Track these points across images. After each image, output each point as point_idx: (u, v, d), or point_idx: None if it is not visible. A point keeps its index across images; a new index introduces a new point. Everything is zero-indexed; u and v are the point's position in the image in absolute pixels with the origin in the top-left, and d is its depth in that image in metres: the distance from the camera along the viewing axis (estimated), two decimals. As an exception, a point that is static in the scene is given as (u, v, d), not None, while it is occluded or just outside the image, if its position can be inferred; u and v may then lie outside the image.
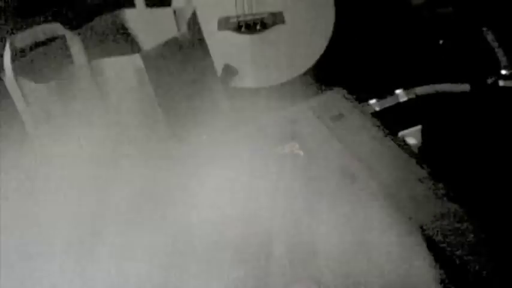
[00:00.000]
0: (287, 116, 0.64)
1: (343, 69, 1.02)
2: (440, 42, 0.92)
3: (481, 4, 0.80)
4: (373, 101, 0.63)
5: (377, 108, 0.63)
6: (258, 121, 0.65)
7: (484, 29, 0.73)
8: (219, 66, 1.09)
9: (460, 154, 0.56)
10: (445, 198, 0.47)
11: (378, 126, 0.57)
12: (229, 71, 1.12)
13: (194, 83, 0.92)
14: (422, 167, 0.51)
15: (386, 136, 0.55)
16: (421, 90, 0.61)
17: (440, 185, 0.48)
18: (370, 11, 1.08)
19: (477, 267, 0.40)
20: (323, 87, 0.68)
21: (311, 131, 0.60)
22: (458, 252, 0.42)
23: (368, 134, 0.57)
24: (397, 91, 0.63)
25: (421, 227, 0.45)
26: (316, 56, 1.09)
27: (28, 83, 0.85)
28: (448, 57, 0.80)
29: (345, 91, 0.63)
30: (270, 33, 1.13)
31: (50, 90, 0.84)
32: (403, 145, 0.54)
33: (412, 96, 0.61)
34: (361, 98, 0.64)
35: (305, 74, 1.10)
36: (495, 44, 0.71)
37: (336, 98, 0.64)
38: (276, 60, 1.14)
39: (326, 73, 1.05)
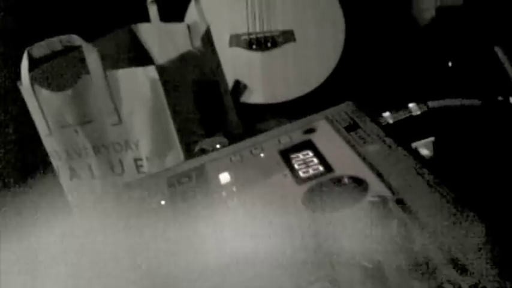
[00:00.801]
0: (302, 126, 0.65)
1: (353, 84, 1.04)
2: (450, 64, 0.94)
3: (492, 22, 0.82)
4: (386, 114, 0.64)
5: (390, 121, 0.64)
6: (273, 130, 0.66)
7: (495, 46, 0.75)
8: (229, 82, 1.11)
9: (471, 166, 0.57)
10: (456, 205, 0.48)
11: (391, 137, 0.58)
12: (239, 86, 1.13)
13: (206, 95, 0.93)
14: (434, 176, 0.52)
15: (399, 146, 0.57)
16: (433, 104, 0.62)
17: (451, 193, 0.49)
18: (380, 27, 1.10)
19: (484, 272, 0.41)
20: (334, 103, 0.69)
21: (325, 141, 0.61)
22: (468, 256, 0.42)
23: (381, 144, 0.58)
24: (410, 105, 0.64)
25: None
26: (327, 73, 1.11)
27: (44, 91, 0.87)
28: (458, 74, 0.82)
29: (354, 105, 0.64)
30: (281, 51, 1.14)
31: (66, 99, 0.86)
32: (416, 154, 0.55)
33: (425, 109, 0.63)
34: (374, 112, 0.66)
35: (316, 90, 1.11)
36: (506, 62, 0.73)
37: (349, 110, 0.65)
38: (286, 77, 1.15)
39: (337, 89, 1.06)
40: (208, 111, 0.94)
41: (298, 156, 0.60)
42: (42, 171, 0.95)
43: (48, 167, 0.93)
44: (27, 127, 0.91)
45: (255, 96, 1.15)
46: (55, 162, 0.92)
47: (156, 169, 0.86)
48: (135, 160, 0.90)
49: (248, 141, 0.67)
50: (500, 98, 0.63)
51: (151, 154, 0.88)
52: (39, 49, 0.87)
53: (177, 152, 0.88)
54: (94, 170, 0.91)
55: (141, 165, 0.90)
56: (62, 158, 0.90)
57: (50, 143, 0.90)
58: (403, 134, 0.61)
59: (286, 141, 0.64)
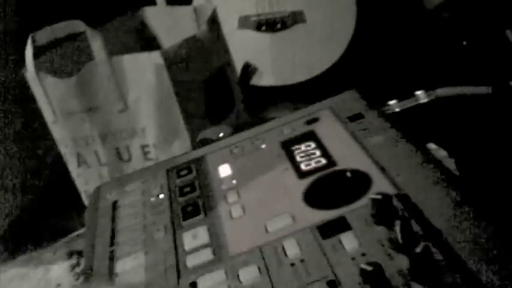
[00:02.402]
0: (304, 115, 0.63)
1: (363, 69, 1.01)
2: (464, 43, 0.91)
3: (503, 4, 0.79)
4: (392, 102, 0.62)
5: (397, 109, 0.62)
6: (275, 120, 0.64)
7: (507, 30, 0.72)
8: (238, 64, 1.09)
9: (483, 156, 0.55)
10: (461, 203, 0.46)
11: (396, 128, 0.56)
12: (249, 68, 1.11)
13: (213, 80, 0.92)
14: (440, 170, 0.50)
15: (403, 138, 0.55)
16: (441, 91, 0.60)
17: (456, 190, 0.47)
18: (392, 11, 1.07)
19: (490, 272, 0.40)
20: (343, 87, 0.67)
21: (328, 131, 0.59)
22: (473, 258, 0.41)
23: (385, 135, 0.56)
24: (417, 92, 0.62)
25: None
26: (337, 55, 1.08)
27: (50, 78, 0.86)
28: (469, 59, 0.79)
29: (358, 93, 0.62)
30: (291, 32, 1.12)
31: (71, 86, 0.85)
32: (421, 147, 0.53)
33: (433, 97, 0.61)
34: (381, 99, 0.63)
35: (325, 73, 1.09)
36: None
37: (354, 99, 0.63)
38: (296, 59, 1.13)
39: (346, 73, 1.04)
40: (215, 97, 0.92)
41: (300, 148, 0.59)
42: (51, 159, 0.95)
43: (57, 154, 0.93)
44: (35, 115, 0.90)
45: (264, 78, 1.13)
46: (62, 149, 0.91)
47: (163, 156, 0.85)
48: (142, 147, 0.89)
49: (250, 132, 0.65)
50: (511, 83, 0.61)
51: (158, 141, 0.88)
52: (43, 35, 0.86)
53: (184, 139, 0.87)
54: (101, 157, 0.90)
55: (148, 152, 0.89)
56: (69, 145, 0.90)
57: (57, 130, 0.90)
58: (410, 124, 0.59)
59: (288, 132, 0.62)
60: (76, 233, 0.92)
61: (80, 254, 0.88)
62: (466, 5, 0.86)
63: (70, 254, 0.91)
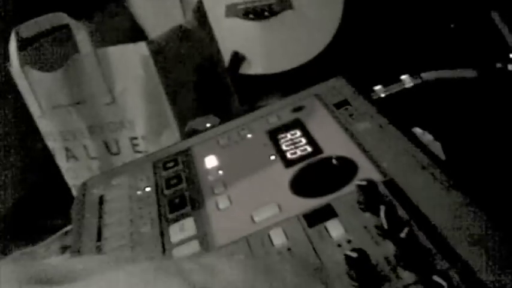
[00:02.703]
0: (290, 103, 0.63)
1: (351, 55, 1.01)
2: (452, 26, 0.90)
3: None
4: (378, 87, 0.61)
5: (382, 95, 0.61)
6: (262, 109, 0.64)
7: (492, 11, 0.71)
8: (226, 53, 1.08)
9: (469, 141, 0.55)
10: (449, 188, 0.46)
11: (382, 113, 0.56)
12: (237, 57, 1.11)
13: (201, 70, 0.91)
14: (427, 155, 0.50)
15: (390, 123, 0.54)
16: (427, 75, 0.60)
17: (444, 174, 0.47)
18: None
19: (478, 256, 0.39)
20: (330, 74, 0.66)
21: (314, 119, 0.59)
22: (460, 242, 0.41)
23: (371, 121, 0.56)
24: (403, 77, 0.61)
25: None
26: (325, 42, 1.07)
27: (34, 72, 0.85)
28: (455, 42, 0.78)
29: (344, 80, 0.61)
30: (278, 20, 1.11)
31: (57, 79, 0.84)
32: (407, 132, 0.53)
33: (418, 82, 0.60)
34: (368, 84, 0.63)
35: (313, 60, 1.08)
36: (504, 28, 0.69)
37: (340, 85, 0.62)
38: (284, 47, 1.12)
39: (334, 59, 1.03)
40: (204, 87, 0.92)
41: (286, 137, 0.58)
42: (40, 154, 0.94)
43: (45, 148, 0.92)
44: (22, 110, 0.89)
45: (253, 67, 1.12)
46: (50, 143, 0.90)
47: (153, 148, 0.85)
48: (131, 139, 0.88)
49: (236, 121, 0.65)
50: (498, 65, 0.60)
51: (146, 133, 0.87)
52: (27, 29, 0.85)
53: (172, 130, 0.87)
54: (90, 150, 0.90)
55: (137, 144, 0.89)
56: (57, 139, 0.89)
57: (44, 125, 0.89)
58: (395, 109, 0.58)
59: (274, 121, 0.62)
60: (68, 227, 0.91)
61: (72, 248, 0.88)
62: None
63: (63, 249, 0.90)
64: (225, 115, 0.86)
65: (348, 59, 1.00)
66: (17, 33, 0.84)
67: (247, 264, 0.24)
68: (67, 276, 0.23)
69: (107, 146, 0.89)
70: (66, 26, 0.86)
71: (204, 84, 0.91)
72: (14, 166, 1.02)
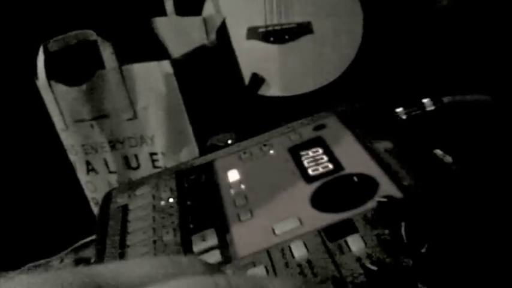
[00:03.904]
0: (311, 122, 0.64)
1: (371, 78, 1.02)
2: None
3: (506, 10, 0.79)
4: (399, 109, 0.63)
5: (403, 117, 0.63)
6: (283, 127, 0.65)
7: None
8: (246, 74, 1.10)
9: (486, 163, 0.56)
10: (467, 207, 0.47)
11: (402, 134, 0.57)
12: (256, 79, 1.13)
13: (221, 89, 0.93)
14: (445, 175, 0.51)
15: (409, 143, 0.55)
16: (448, 99, 0.61)
17: (463, 194, 0.48)
18: (399, 19, 1.08)
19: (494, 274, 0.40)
20: (350, 97, 0.68)
21: (335, 137, 0.60)
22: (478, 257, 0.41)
23: (392, 141, 0.57)
24: (424, 100, 0.63)
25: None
26: (345, 65, 1.09)
27: (60, 86, 0.87)
28: (472, 65, 0.80)
29: (365, 102, 0.63)
30: (298, 43, 1.13)
31: (81, 94, 0.87)
32: (427, 153, 0.54)
33: (439, 105, 0.61)
34: (386, 107, 0.64)
35: (333, 83, 1.10)
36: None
37: (361, 106, 0.64)
38: (303, 70, 1.14)
39: (354, 81, 1.05)
40: (222, 105, 0.93)
41: (307, 154, 0.59)
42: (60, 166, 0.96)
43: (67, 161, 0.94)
44: (45, 122, 0.91)
45: (272, 89, 1.14)
46: (72, 156, 0.92)
47: (171, 164, 0.86)
48: (151, 155, 0.90)
49: (258, 138, 0.66)
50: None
51: (166, 149, 0.89)
52: (55, 44, 0.88)
53: (192, 147, 0.88)
54: (110, 164, 0.91)
55: (157, 160, 0.90)
56: (78, 152, 0.91)
57: (66, 138, 0.91)
58: (416, 131, 0.59)
59: (296, 138, 0.63)
60: (83, 241, 0.92)
61: (87, 261, 0.89)
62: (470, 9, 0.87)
63: (77, 262, 0.91)
64: (243, 133, 0.88)
65: (366, 81, 1.01)
66: (45, 48, 0.86)
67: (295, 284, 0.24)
68: (122, 284, 0.22)
69: (126, 160, 0.91)
70: (93, 43, 0.89)
71: (224, 103, 0.93)
72: (34, 177, 1.04)
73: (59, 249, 0.92)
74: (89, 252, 0.91)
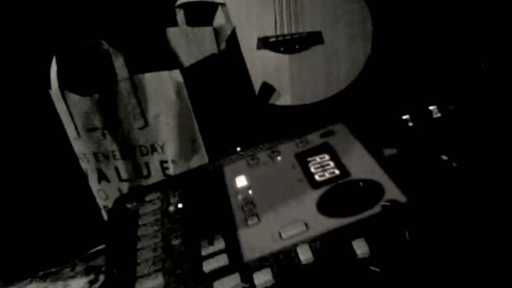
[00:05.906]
0: (319, 129, 0.65)
1: (381, 87, 1.02)
2: (482, 64, 0.91)
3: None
4: (406, 116, 0.63)
5: (410, 124, 0.63)
6: (291, 134, 0.66)
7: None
8: (257, 84, 1.11)
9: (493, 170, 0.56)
10: (471, 213, 0.47)
11: (409, 141, 0.57)
12: (267, 88, 1.13)
13: (232, 99, 0.94)
14: (451, 180, 0.51)
15: (415, 150, 0.56)
16: (454, 107, 0.61)
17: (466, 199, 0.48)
18: (409, 28, 1.08)
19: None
20: (359, 106, 0.68)
21: (342, 144, 0.61)
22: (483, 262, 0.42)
23: (398, 147, 0.57)
24: (431, 107, 0.63)
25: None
26: (355, 75, 1.09)
27: (72, 95, 0.88)
28: (486, 76, 0.79)
29: (372, 111, 0.64)
30: (309, 53, 1.14)
31: (93, 103, 0.88)
32: (432, 159, 0.54)
33: (445, 112, 0.62)
34: (393, 115, 0.65)
35: (343, 92, 1.10)
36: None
37: (368, 115, 0.64)
38: (313, 80, 1.14)
39: (364, 91, 1.05)
40: (232, 115, 0.94)
41: (314, 160, 0.60)
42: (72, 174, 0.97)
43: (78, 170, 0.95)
44: (57, 131, 0.92)
45: (282, 98, 1.14)
46: (84, 165, 0.93)
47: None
48: (161, 163, 0.91)
49: (266, 145, 0.67)
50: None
51: (176, 157, 0.89)
52: (68, 54, 0.89)
53: (202, 155, 0.89)
54: (121, 172, 0.92)
55: (167, 168, 0.91)
56: (90, 161, 0.92)
57: (79, 146, 0.92)
58: (423, 137, 0.60)
59: (303, 145, 0.64)
60: (95, 249, 0.93)
61: (98, 270, 0.89)
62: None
63: (88, 270, 0.92)
64: (253, 142, 0.88)
65: (374, 89, 1.02)
66: (58, 58, 0.88)
67: None
68: None
69: (137, 168, 0.92)
70: (106, 53, 0.90)
71: (234, 112, 0.93)
72: (46, 185, 1.05)
73: (71, 257, 0.93)
74: (100, 261, 0.91)
